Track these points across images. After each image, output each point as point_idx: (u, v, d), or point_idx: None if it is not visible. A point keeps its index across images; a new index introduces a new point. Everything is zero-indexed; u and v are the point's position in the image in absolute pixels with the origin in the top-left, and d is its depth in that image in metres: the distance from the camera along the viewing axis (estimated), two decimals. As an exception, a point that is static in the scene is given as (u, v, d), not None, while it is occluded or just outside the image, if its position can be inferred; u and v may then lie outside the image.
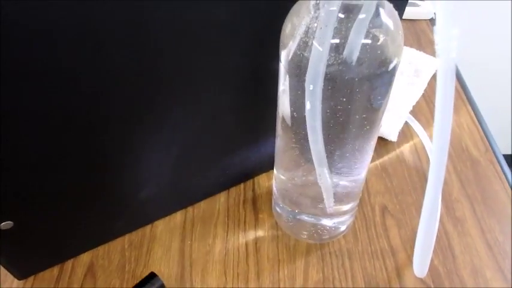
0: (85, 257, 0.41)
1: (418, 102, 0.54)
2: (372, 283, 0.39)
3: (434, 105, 0.54)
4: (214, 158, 0.41)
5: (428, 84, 0.56)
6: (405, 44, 0.61)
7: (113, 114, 0.32)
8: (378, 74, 0.29)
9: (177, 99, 0.34)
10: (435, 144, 0.26)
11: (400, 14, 0.42)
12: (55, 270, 0.40)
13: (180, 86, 0.33)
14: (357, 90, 0.29)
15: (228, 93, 0.36)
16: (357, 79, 0.28)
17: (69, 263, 0.41)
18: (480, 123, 0.52)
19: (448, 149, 0.26)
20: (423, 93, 0.55)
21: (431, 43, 0.61)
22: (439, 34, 0.21)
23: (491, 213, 0.44)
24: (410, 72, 0.55)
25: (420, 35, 0.63)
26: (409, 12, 0.64)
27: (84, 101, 0.30)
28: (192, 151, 0.39)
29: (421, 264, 0.35)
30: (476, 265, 0.40)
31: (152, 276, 0.38)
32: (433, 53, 0.59)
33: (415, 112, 0.53)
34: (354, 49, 0.27)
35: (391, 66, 0.29)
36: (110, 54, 0.28)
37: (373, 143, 0.35)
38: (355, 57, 0.28)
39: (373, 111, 0.32)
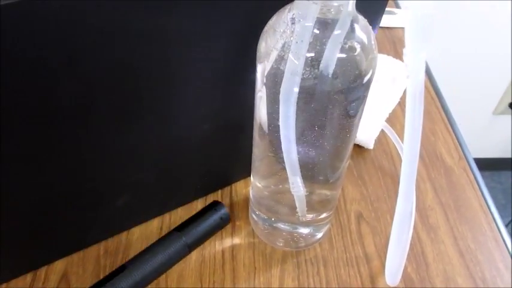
0: (59, 264, 0.41)
1: (394, 110, 0.55)
2: (346, 290, 0.40)
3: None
4: (191, 165, 0.41)
5: (404, 92, 0.57)
6: (382, 52, 0.61)
7: (88, 122, 0.32)
8: (352, 87, 0.29)
9: (152, 107, 0.34)
10: (405, 161, 0.27)
11: (377, 25, 0.43)
12: (28, 277, 0.40)
13: (156, 93, 0.33)
14: (332, 102, 0.30)
15: (205, 100, 0.36)
16: (332, 92, 0.29)
17: (42, 270, 0.40)
18: (454, 131, 0.53)
19: (417, 164, 0.27)
20: (399, 101, 0.56)
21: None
22: (408, 56, 0.21)
23: (464, 220, 0.45)
24: (387, 80, 0.56)
25: (397, 43, 0.64)
26: (386, 20, 0.65)
27: (57, 105, 0.29)
28: (169, 158, 0.39)
29: (392, 272, 0.35)
30: (449, 272, 0.41)
31: (216, 203, 0.40)
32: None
33: (391, 120, 0.53)
34: (329, 63, 0.28)
35: (366, 79, 0.29)
36: (86, 62, 0.28)
37: (348, 152, 0.35)
38: (330, 71, 0.28)
39: (348, 122, 0.32)
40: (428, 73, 0.60)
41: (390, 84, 0.56)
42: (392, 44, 0.63)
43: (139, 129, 0.35)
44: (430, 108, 0.56)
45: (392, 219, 0.45)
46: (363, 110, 0.33)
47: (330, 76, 0.28)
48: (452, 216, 0.45)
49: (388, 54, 0.61)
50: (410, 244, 0.43)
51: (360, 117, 0.34)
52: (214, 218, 0.40)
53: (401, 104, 0.56)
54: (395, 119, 0.54)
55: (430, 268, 0.41)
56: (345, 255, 0.42)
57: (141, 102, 0.33)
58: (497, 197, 1.56)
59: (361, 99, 0.31)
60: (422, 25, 0.20)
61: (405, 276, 0.40)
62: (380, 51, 0.62)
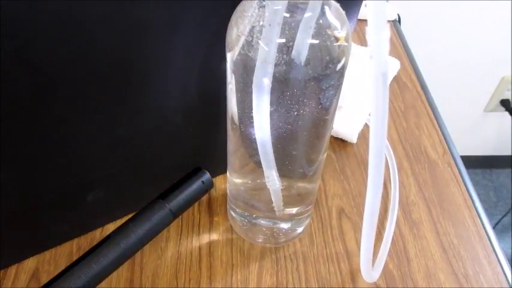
0: (30, 262, 0.39)
1: (378, 104, 0.54)
2: (325, 287, 0.39)
3: (394, 107, 0.53)
4: (164, 159, 0.40)
5: (389, 85, 0.55)
6: (367, 45, 0.60)
7: (52, 113, 0.31)
8: (325, 74, 0.28)
9: (120, 98, 0.32)
10: (372, 151, 0.26)
11: (355, 14, 0.42)
12: (-3, 276, 0.39)
13: (124, 84, 0.32)
14: (305, 91, 0.29)
15: (175, 91, 0.35)
16: (305, 79, 0.28)
17: (12, 269, 0.39)
18: (439, 126, 0.52)
19: (383, 156, 0.26)
20: (384, 95, 0.55)
21: (392, 44, 0.61)
22: (370, 36, 0.20)
23: (447, 216, 0.44)
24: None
25: (383, 37, 0.63)
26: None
27: (18, 97, 0.28)
28: (141, 152, 0.38)
29: (367, 268, 0.34)
30: (431, 268, 0.40)
31: (198, 169, 0.39)
32: (394, 53, 0.59)
33: (375, 114, 0.52)
34: (301, 49, 0.26)
35: (339, 66, 0.28)
36: (46, 51, 0.27)
37: (324, 144, 0.34)
38: (303, 58, 0.27)
39: (323, 112, 0.31)
40: (414, 67, 0.59)
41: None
42: (378, 37, 0.62)
43: (108, 122, 0.33)
44: (415, 103, 0.55)
45: (374, 214, 0.44)
46: (337, 101, 0.32)
47: (302, 62, 0.27)
48: (435, 212, 0.44)
49: (373, 48, 0.60)
50: (392, 240, 0.42)
51: (335, 109, 0.32)
52: (196, 183, 0.40)
53: (386, 98, 0.55)
54: (380, 113, 0.53)
55: (412, 264, 0.40)
56: (325, 251, 0.41)
57: (108, 93, 0.32)
58: (488, 194, 1.55)
59: (335, 88, 0.30)
60: (382, 5, 0.19)
61: (386, 272, 0.39)
62: (366, 44, 0.61)
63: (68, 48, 0.27)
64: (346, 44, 0.28)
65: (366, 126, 0.51)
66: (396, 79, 0.57)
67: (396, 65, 0.57)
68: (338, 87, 0.31)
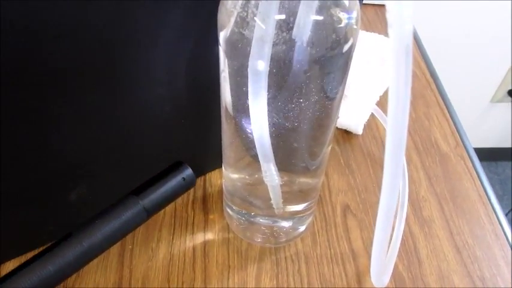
0: (10, 266, 0.36)
1: (384, 93, 0.50)
2: (330, 291, 0.36)
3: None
4: (154, 153, 0.37)
5: (397, 73, 0.52)
6: (372, 31, 0.57)
7: (32, 103, 0.27)
8: (331, 56, 0.25)
9: (103, 83, 0.29)
10: (389, 141, 0.22)
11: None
12: (-25, 279, 0.36)
13: (108, 72, 0.29)
14: (307, 75, 0.25)
15: (164, 81, 0.32)
16: (307, 62, 0.25)
17: (-9, 271, 0.36)
18: (451, 116, 0.49)
19: (404, 144, 0.23)
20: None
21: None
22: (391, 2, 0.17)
23: (461, 213, 0.41)
24: (377, 61, 0.52)
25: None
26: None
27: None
28: (127, 145, 0.35)
29: (378, 272, 0.31)
30: (444, 270, 0.37)
31: (179, 163, 0.35)
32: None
33: (381, 103, 0.49)
34: (303, 26, 0.23)
35: (346, 47, 0.25)
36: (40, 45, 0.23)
37: (329, 136, 0.31)
38: (305, 36, 0.24)
39: (327, 100, 0.28)
40: (423, 54, 0.56)
41: (380, 65, 0.52)
42: (384, 22, 0.59)
43: (90, 112, 0.30)
44: (424, 92, 0.51)
45: (382, 211, 0.41)
46: (343, 88, 0.29)
47: (304, 42, 0.24)
48: (448, 208, 0.41)
49: (380, 33, 0.56)
50: (402, 239, 0.38)
51: (341, 97, 0.29)
52: (176, 178, 0.35)
53: (394, 86, 0.51)
54: (386, 102, 0.50)
55: (423, 266, 0.37)
56: (329, 251, 0.38)
57: (90, 80, 0.28)
58: (494, 188, 1.52)
59: (341, 73, 0.27)
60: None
61: (396, 274, 0.36)
62: (371, 30, 0.57)
63: (54, 21, 0.24)
64: (354, 21, 0.25)
65: (372, 116, 0.48)
66: (404, 67, 0.53)
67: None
68: (344, 72, 0.27)
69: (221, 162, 0.36)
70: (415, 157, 0.45)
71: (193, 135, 0.38)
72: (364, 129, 0.47)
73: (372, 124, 0.47)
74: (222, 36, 0.25)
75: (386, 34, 0.55)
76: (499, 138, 1.46)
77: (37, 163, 0.31)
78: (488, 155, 1.53)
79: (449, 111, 0.49)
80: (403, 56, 0.19)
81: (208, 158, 0.41)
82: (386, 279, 0.33)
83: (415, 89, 0.51)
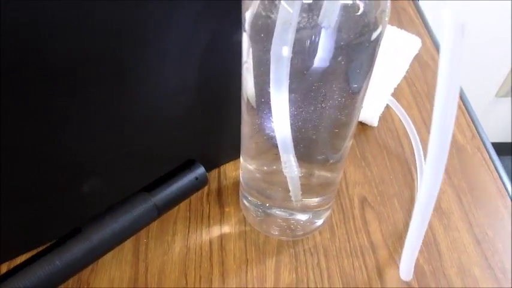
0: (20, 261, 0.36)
1: (399, 85, 0.50)
2: (350, 284, 0.35)
3: (416, 88, 0.49)
4: (169, 144, 0.36)
5: (410, 65, 0.52)
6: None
7: (45, 97, 0.27)
8: (358, 43, 0.24)
9: (116, 72, 0.28)
10: (434, 135, 0.22)
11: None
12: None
13: (119, 55, 0.28)
14: (332, 63, 0.25)
15: (177, 65, 0.31)
16: (333, 49, 0.24)
17: (4, 266, 0.35)
18: (466, 108, 0.48)
19: (449, 141, 0.22)
20: (405, 75, 0.51)
21: (412, 21, 0.57)
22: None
23: (479, 205, 0.40)
24: (392, 52, 0.51)
25: (401, 13, 0.59)
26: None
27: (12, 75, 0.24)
28: (144, 136, 0.34)
29: (409, 266, 0.31)
30: (465, 263, 0.36)
31: (191, 162, 0.34)
32: (414, 31, 0.55)
33: (396, 95, 0.48)
34: (331, 10, 0.22)
35: (375, 34, 0.24)
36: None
37: (352, 129, 0.30)
38: (332, 20, 0.23)
39: (351, 93, 0.27)
40: (436, 45, 0.55)
41: (394, 56, 0.51)
42: (396, 14, 0.58)
43: (103, 103, 0.29)
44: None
45: (400, 203, 0.40)
46: (369, 79, 0.28)
47: (331, 26, 0.23)
48: (466, 201, 0.41)
49: (392, 25, 0.55)
50: (421, 231, 0.38)
51: (366, 89, 0.29)
52: (188, 178, 0.35)
53: (407, 78, 0.51)
54: (401, 94, 0.49)
55: (444, 258, 0.37)
56: (348, 244, 0.37)
57: (104, 69, 0.28)
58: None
59: (368, 61, 0.26)
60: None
61: (416, 267, 0.36)
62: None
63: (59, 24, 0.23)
64: (385, 8, 0.24)
65: (387, 108, 0.47)
66: (417, 58, 0.53)
67: (417, 42, 0.53)
68: (370, 63, 0.27)
69: (236, 154, 0.36)
70: (432, 149, 0.44)
71: (208, 128, 0.37)
72: (379, 121, 0.46)
73: (387, 116, 0.47)
74: (248, 20, 0.24)
75: (398, 25, 0.55)
76: (504, 132, 1.45)
77: (48, 159, 0.30)
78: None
79: (464, 103, 0.49)
80: (455, 37, 0.18)
81: (223, 150, 0.40)
82: (412, 271, 0.33)
83: (429, 81, 0.51)
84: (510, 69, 1.24)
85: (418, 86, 0.50)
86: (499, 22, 1.12)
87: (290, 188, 0.32)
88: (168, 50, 0.29)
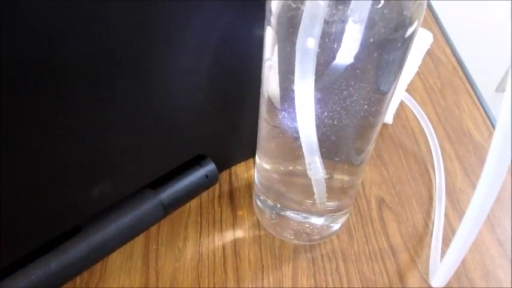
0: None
1: (412, 81, 0.48)
2: (370, 289, 0.34)
3: (429, 83, 0.48)
4: (180, 145, 0.34)
5: (423, 60, 0.50)
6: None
7: (54, 90, 0.25)
8: (390, 40, 0.23)
9: (130, 72, 0.27)
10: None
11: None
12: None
13: (133, 54, 0.26)
14: (362, 59, 0.23)
15: (199, 69, 0.29)
16: (363, 45, 0.22)
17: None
18: (481, 104, 0.47)
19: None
20: (417, 71, 0.49)
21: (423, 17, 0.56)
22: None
23: (500, 205, 0.39)
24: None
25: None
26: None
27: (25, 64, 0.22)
28: (154, 137, 0.32)
29: (446, 275, 0.29)
30: (488, 265, 0.35)
31: (202, 157, 0.32)
32: (425, 26, 0.54)
33: (409, 91, 0.47)
34: (362, 3, 0.21)
35: (410, 31, 0.23)
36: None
37: (376, 133, 0.29)
38: (363, 15, 0.21)
39: (378, 93, 0.26)
40: (447, 40, 0.54)
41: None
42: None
43: (118, 99, 0.27)
44: (452, 79, 0.49)
45: (418, 204, 0.38)
46: (398, 79, 0.26)
47: (361, 22, 0.21)
48: (486, 200, 0.39)
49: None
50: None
51: (393, 93, 0.27)
52: (198, 175, 0.32)
53: (420, 73, 0.49)
54: (414, 90, 0.48)
55: (467, 261, 0.35)
56: (367, 247, 0.36)
57: (120, 67, 0.26)
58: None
59: (399, 60, 0.25)
60: None
61: (439, 271, 0.34)
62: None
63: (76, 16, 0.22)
64: (420, 3, 0.23)
65: (401, 105, 0.46)
66: (429, 53, 0.51)
67: (429, 37, 0.52)
68: (401, 62, 0.25)
69: (249, 154, 0.34)
70: (448, 146, 0.43)
71: (221, 127, 0.35)
72: (394, 118, 0.44)
73: (401, 113, 0.45)
74: (274, 13, 0.23)
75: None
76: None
77: (60, 156, 0.29)
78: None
79: (478, 99, 0.47)
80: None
81: (236, 150, 0.38)
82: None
83: (442, 77, 0.49)
84: (510, 64, 1.23)
85: (432, 81, 0.49)
86: (498, 20, 1.11)
87: (315, 191, 0.30)
88: (185, 47, 0.27)
